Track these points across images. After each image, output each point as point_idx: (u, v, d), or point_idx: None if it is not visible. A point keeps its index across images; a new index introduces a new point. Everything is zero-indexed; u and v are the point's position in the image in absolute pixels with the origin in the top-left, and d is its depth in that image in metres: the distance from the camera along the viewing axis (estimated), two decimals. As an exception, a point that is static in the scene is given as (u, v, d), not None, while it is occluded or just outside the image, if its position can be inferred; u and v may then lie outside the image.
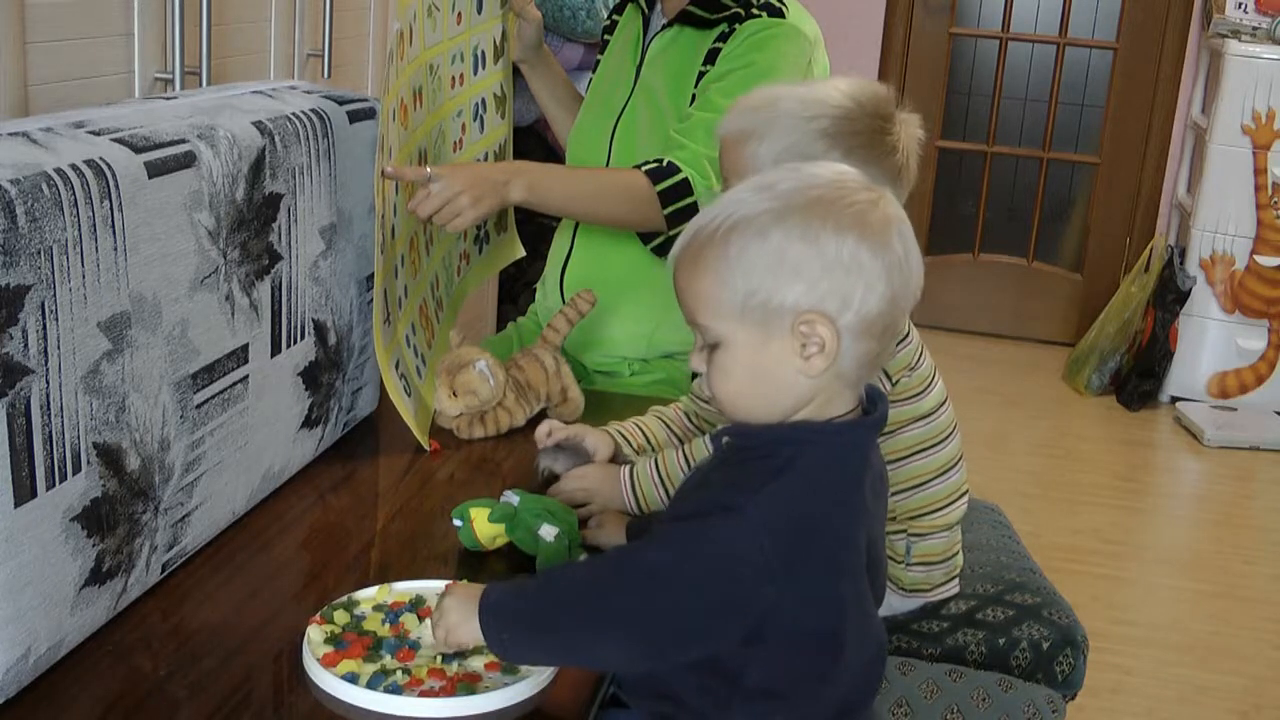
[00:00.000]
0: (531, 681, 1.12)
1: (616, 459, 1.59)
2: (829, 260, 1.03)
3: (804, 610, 1.03)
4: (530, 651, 1.09)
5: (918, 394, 1.54)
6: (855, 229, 1.03)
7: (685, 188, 1.86)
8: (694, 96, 1.96)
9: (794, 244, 1.03)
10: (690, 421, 1.68)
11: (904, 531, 1.59)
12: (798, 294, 1.03)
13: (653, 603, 1.02)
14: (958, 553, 1.65)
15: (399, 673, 1.12)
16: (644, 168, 1.88)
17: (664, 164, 1.87)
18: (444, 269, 1.91)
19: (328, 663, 1.12)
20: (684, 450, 1.53)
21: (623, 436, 1.62)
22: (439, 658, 1.14)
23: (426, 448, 1.65)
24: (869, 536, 1.09)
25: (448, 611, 1.09)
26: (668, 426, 1.67)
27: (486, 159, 2.06)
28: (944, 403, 1.59)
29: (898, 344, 1.50)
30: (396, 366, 1.62)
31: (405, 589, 1.26)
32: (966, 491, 1.64)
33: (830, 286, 1.03)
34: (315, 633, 1.17)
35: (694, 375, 1.48)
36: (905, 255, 1.05)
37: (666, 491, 1.50)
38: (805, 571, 1.02)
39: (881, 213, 1.05)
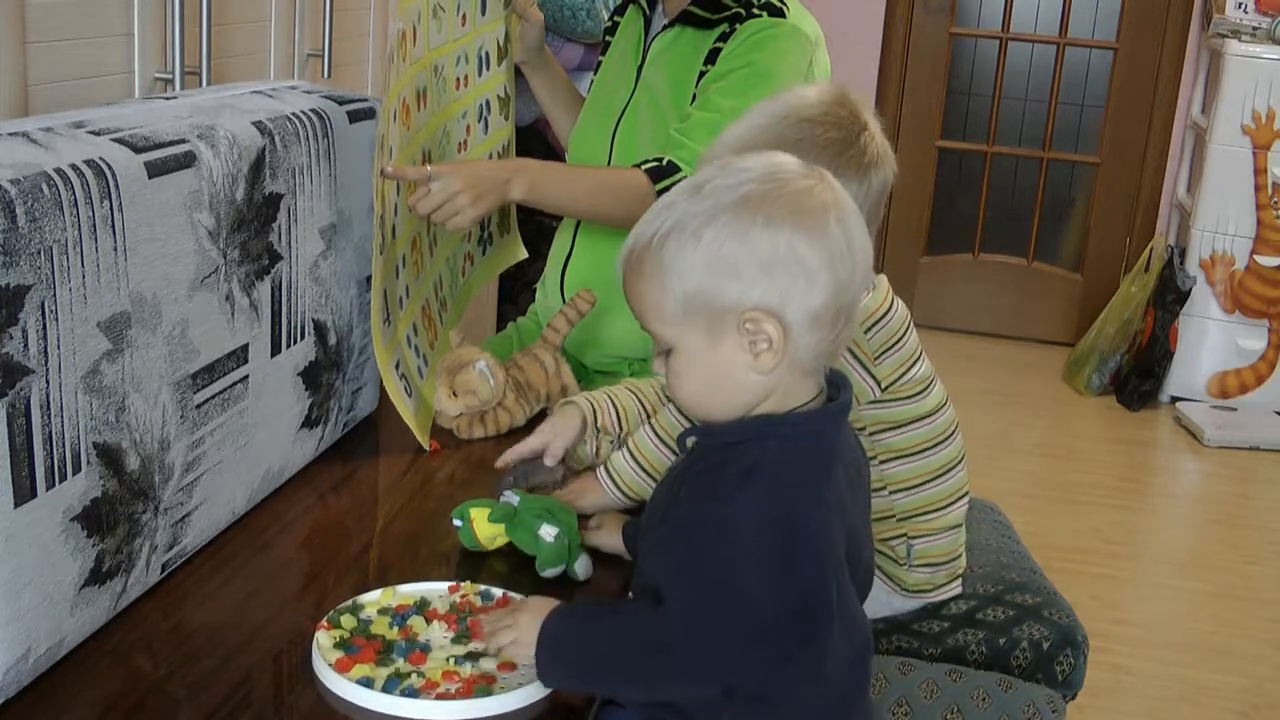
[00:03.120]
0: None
1: (580, 437, 1.58)
2: (764, 257, 1.02)
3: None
4: (578, 688, 1.13)
5: (916, 394, 1.54)
6: (789, 221, 1.02)
7: (685, 187, 1.86)
8: (695, 96, 1.96)
9: (727, 244, 1.02)
10: (665, 395, 1.65)
11: (904, 535, 1.59)
12: (737, 293, 1.03)
13: (700, 657, 1.03)
14: (960, 554, 1.65)
15: (414, 676, 1.12)
16: (644, 166, 1.88)
17: (664, 163, 1.87)
18: (448, 269, 1.91)
19: (340, 668, 1.11)
20: (651, 425, 1.52)
21: (592, 409, 1.60)
22: (451, 660, 1.14)
23: (426, 448, 1.65)
24: (848, 528, 1.09)
25: (524, 629, 1.10)
26: (639, 399, 1.65)
27: (490, 159, 2.05)
28: (944, 404, 1.59)
29: (889, 350, 1.50)
30: (397, 367, 1.62)
31: (409, 591, 1.26)
32: (967, 493, 1.64)
33: (770, 283, 1.02)
34: (324, 638, 1.16)
35: None
36: (847, 240, 1.04)
37: (646, 472, 1.48)
38: (792, 572, 1.01)
39: (818, 199, 1.04)
